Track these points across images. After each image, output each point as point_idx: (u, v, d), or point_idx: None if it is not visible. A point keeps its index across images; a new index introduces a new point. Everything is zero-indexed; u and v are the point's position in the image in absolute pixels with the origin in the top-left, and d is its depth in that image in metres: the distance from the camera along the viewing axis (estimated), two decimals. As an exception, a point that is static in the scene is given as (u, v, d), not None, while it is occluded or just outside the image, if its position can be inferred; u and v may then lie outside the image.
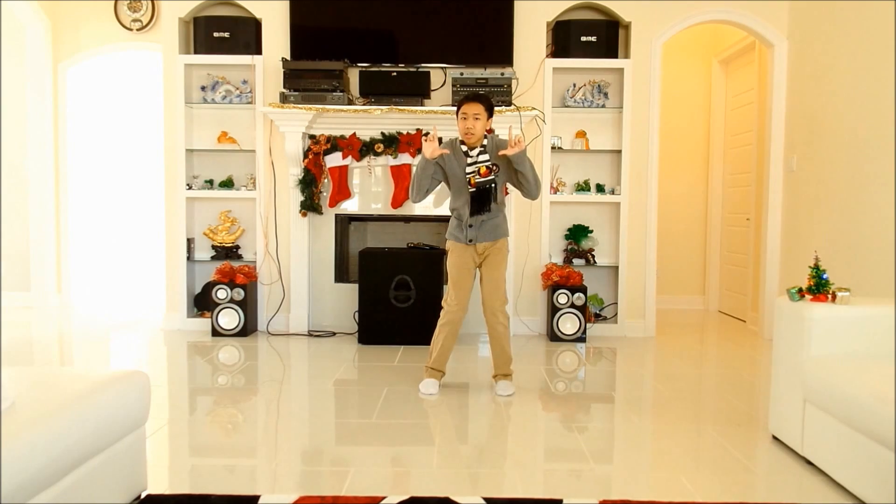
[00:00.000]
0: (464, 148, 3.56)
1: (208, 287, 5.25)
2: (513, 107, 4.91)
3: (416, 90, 5.06)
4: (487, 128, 3.57)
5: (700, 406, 3.56)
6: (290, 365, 4.40)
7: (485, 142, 3.55)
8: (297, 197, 5.18)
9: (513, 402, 3.56)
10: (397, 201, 5.17)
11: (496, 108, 4.83)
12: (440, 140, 5.03)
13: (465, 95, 3.61)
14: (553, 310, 5.01)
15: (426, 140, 3.49)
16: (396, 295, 4.84)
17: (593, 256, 5.32)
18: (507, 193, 3.81)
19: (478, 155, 3.53)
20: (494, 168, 3.51)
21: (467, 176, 3.54)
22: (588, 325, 5.09)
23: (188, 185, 5.33)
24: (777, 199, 5.27)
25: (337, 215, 5.29)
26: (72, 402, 1.92)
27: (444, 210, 5.21)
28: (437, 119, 5.01)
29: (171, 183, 5.33)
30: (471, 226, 3.59)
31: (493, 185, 3.53)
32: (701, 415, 3.39)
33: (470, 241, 3.60)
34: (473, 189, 3.54)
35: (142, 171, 7.46)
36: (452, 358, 4.52)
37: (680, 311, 6.51)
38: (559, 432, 3.13)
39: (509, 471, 2.66)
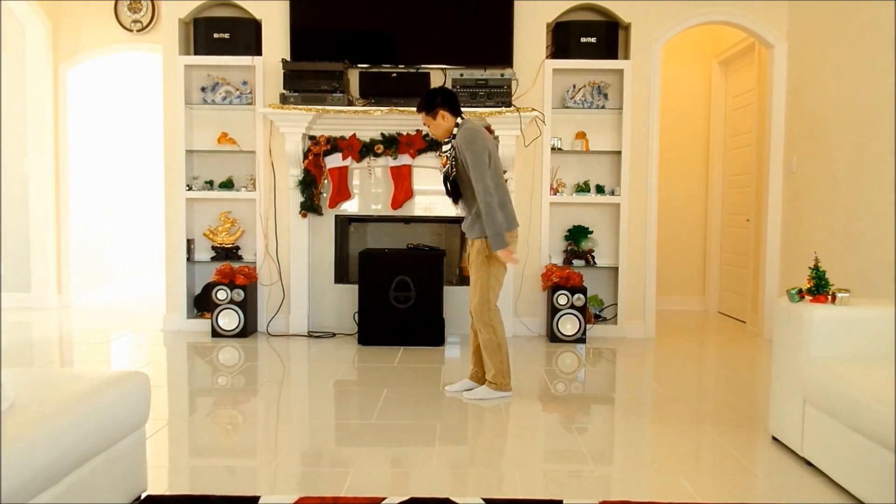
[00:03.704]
0: None
1: (208, 288, 5.25)
2: (513, 108, 4.91)
3: (416, 91, 5.03)
4: (444, 118, 3.52)
5: (700, 407, 3.56)
6: (290, 366, 4.40)
7: (455, 130, 3.55)
8: (297, 198, 5.18)
9: (513, 402, 3.55)
10: (397, 202, 5.17)
11: (496, 109, 4.86)
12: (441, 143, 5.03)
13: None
14: (553, 311, 5.01)
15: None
16: (396, 296, 4.84)
17: (593, 257, 5.32)
18: None
19: (442, 145, 3.62)
20: (453, 159, 3.51)
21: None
22: (588, 326, 5.09)
23: (188, 185, 5.33)
24: (777, 199, 5.27)
25: (337, 216, 5.29)
26: (72, 403, 1.92)
27: (443, 211, 5.21)
28: (437, 120, 5.01)
29: (171, 184, 5.33)
30: (464, 218, 3.66)
31: (450, 173, 3.51)
32: (701, 416, 3.39)
33: (464, 232, 3.69)
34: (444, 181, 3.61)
35: (142, 172, 7.48)
36: (453, 358, 4.52)
37: (680, 313, 6.51)
38: (559, 433, 3.13)
39: (509, 471, 2.66)
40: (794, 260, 5.07)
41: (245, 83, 5.34)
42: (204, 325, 5.28)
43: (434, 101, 3.52)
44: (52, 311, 6.17)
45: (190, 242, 5.38)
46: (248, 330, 5.13)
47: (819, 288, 2.78)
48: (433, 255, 4.92)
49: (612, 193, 5.31)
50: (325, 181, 5.20)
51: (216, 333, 5.07)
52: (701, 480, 2.57)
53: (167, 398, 3.58)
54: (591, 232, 5.33)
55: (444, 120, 3.52)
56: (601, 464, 2.73)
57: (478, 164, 3.39)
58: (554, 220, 5.34)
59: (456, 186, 3.53)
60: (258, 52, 5.22)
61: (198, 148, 5.38)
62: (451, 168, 3.49)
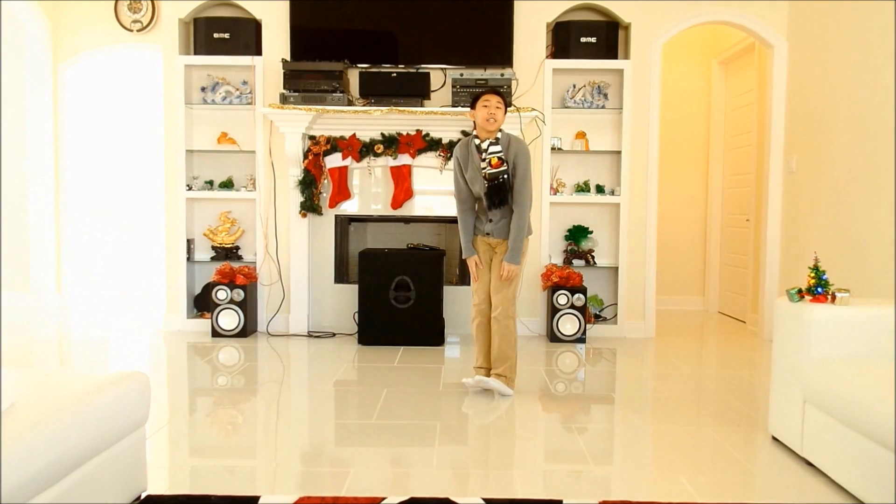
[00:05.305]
0: (476, 142, 3.61)
1: (208, 288, 5.25)
2: (513, 108, 4.91)
3: (416, 91, 5.06)
4: (503, 117, 3.60)
5: (700, 407, 3.56)
6: (289, 366, 4.40)
7: (498, 135, 3.59)
8: (297, 198, 5.18)
9: (513, 402, 3.56)
10: (397, 202, 5.17)
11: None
12: (441, 142, 5.05)
13: (484, 89, 3.68)
14: (553, 310, 5.01)
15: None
16: (396, 296, 4.84)
17: (593, 257, 5.32)
18: None
19: (489, 146, 3.57)
20: (506, 162, 3.54)
21: (482, 170, 3.58)
22: (588, 325, 5.09)
23: (188, 185, 5.33)
24: (777, 199, 5.27)
25: (337, 216, 5.29)
26: (72, 403, 1.93)
27: (443, 211, 5.21)
28: (437, 120, 5.02)
29: (171, 184, 5.33)
30: (490, 220, 3.66)
31: (505, 175, 3.55)
32: (701, 415, 3.39)
33: (487, 233, 3.68)
34: (487, 181, 3.58)
35: (142, 172, 7.46)
36: (453, 358, 4.52)
37: (680, 312, 6.51)
38: (559, 433, 3.13)
39: (509, 471, 2.66)
40: (794, 260, 5.07)
41: (245, 83, 5.34)
42: (204, 325, 5.28)
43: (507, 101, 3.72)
44: (51, 311, 6.17)
45: (190, 242, 5.38)
46: (248, 330, 5.13)
47: (819, 288, 2.78)
48: (433, 255, 4.93)
49: (612, 193, 5.31)
50: (325, 181, 5.20)
51: (216, 333, 5.08)
52: (701, 480, 2.57)
53: (167, 398, 3.58)
54: (591, 232, 5.33)
55: (503, 117, 3.60)
56: (601, 464, 2.74)
57: (529, 175, 3.58)
58: (554, 220, 5.34)
59: (506, 190, 3.57)
60: (258, 52, 5.22)
61: (198, 148, 5.38)
62: (507, 172, 3.54)
